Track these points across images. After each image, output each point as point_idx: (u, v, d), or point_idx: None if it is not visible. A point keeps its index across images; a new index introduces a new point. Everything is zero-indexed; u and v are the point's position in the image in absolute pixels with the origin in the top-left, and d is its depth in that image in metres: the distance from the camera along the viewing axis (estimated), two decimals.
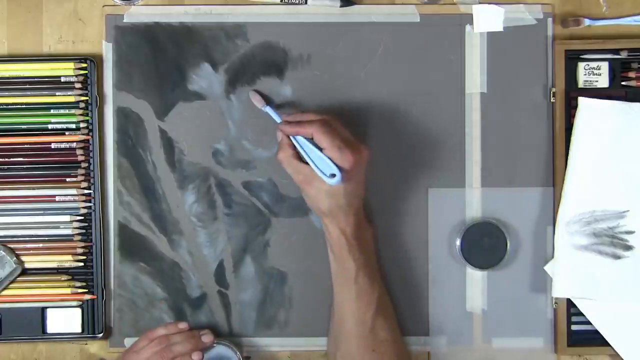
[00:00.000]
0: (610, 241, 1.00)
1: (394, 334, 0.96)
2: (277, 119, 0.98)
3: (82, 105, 1.02)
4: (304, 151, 0.92)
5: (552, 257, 1.02)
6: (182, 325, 0.99)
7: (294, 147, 0.93)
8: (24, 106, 1.02)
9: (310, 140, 0.92)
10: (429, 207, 1.04)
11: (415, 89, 1.03)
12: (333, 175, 0.90)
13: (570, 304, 1.02)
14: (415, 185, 1.03)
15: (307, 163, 0.92)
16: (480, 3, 1.03)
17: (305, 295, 1.03)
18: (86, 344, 1.04)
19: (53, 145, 1.02)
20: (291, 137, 0.94)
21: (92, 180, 1.02)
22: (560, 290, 1.01)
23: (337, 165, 0.90)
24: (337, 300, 0.96)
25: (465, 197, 1.04)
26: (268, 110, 0.99)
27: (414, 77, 1.03)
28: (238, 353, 0.99)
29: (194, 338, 0.97)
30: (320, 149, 0.91)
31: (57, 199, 1.02)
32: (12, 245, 1.02)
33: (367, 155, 0.93)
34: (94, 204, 1.02)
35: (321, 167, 0.91)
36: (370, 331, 0.94)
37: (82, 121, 1.02)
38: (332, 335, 0.99)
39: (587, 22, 1.03)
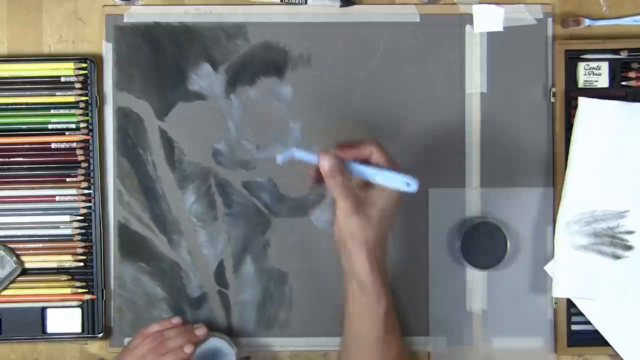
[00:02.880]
0: (610, 241, 1.00)
1: (402, 346, 0.95)
2: (314, 157, 0.88)
3: (82, 105, 1.02)
4: (368, 173, 0.88)
5: (552, 257, 1.02)
6: (176, 321, 0.99)
7: (344, 173, 0.87)
8: (24, 106, 1.02)
9: (365, 162, 0.88)
10: (429, 207, 1.04)
11: (415, 89, 1.03)
12: (408, 184, 0.87)
13: (570, 304, 1.02)
14: None
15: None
16: (480, 3, 1.03)
17: (305, 295, 1.03)
18: (86, 344, 1.04)
19: (53, 145, 1.02)
20: (346, 165, 0.88)
21: (92, 180, 1.02)
22: (560, 290, 1.01)
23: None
24: (348, 313, 0.92)
25: (465, 197, 1.04)
26: (297, 152, 0.88)
27: (414, 77, 1.03)
28: (233, 345, 0.99)
29: (187, 332, 0.97)
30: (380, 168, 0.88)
31: (57, 199, 1.02)
32: (12, 245, 1.02)
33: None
34: (94, 204, 1.02)
35: (391, 183, 0.87)
36: (382, 342, 0.91)
37: (82, 121, 1.02)
38: (343, 348, 0.97)
39: (587, 22, 1.03)
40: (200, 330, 0.98)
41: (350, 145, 0.90)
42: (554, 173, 1.03)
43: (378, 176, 0.88)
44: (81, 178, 1.02)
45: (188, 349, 0.94)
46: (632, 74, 1.02)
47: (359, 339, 0.93)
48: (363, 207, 0.87)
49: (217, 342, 1.00)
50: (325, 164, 0.87)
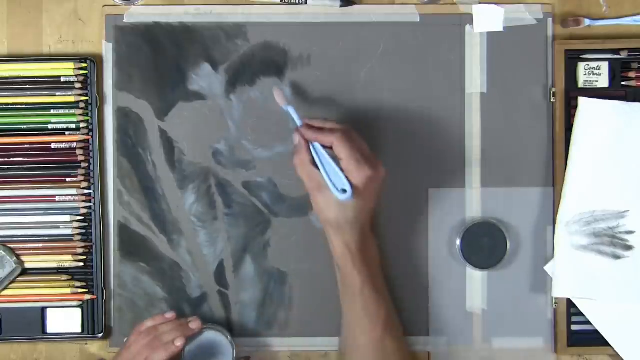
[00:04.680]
0: (610, 241, 1.00)
1: (402, 342, 0.96)
2: (298, 122, 0.94)
3: (82, 105, 1.02)
4: (320, 160, 0.90)
5: (552, 257, 1.02)
6: (169, 315, 0.98)
7: (311, 153, 0.91)
8: (24, 106, 1.02)
9: (328, 150, 0.90)
10: (429, 207, 1.04)
11: (415, 89, 1.03)
12: (344, 191, 0.88)
13: (570, 304, 1.02)
14: (415, 185, 1.03)
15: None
16: (480, 3, 1.03)
17: (305, 295, 1.03)
18: (86, 344, 1.04)
19: (53, 145, 1.02)
20: (310, 143, 0.91)
21: (92, 180, 1.02)
22: (560, 290, 1.01)
23: (349, 181, 0.88)
24: (345, 314, 0.96)
25: (465, 197, 1.04)
26: (290, 110, 0.95)
27: (414, 77, 1.03)
28: (229, 336, 0.99)
29: (181, 326, 0.96)
30: (337, 161, 0.89)
31: (57, 199, 1.02)
32: (12, 245, 1.02)
33: (384, 173, 0.91)
34: (94, 204, 1.02)
35: (334, 180, 0.89)
36: (380, 343, 0.93)
37: (82, 121, 1.02)
38: (341, 350, 0.99)
39: (587, 22, 1.03)
40: (194, 324, 0.97)
41: (317, 127, 0.92)
42: (554, 173, 1.03)
43: (324, 168, 0.90)
44: (81, 178, 1.02)
45: (179, 342, 0.93)
46: (632, 74, 1.02)
47: (345, 326, 0.96)
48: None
49: (213, 335, 0.99)
50: (295, 139, 0.92)
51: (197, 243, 1.03)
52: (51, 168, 1.02)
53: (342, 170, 0.89)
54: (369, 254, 0.94)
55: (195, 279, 1.03)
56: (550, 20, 1.03)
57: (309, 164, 0.91)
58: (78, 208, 1.02)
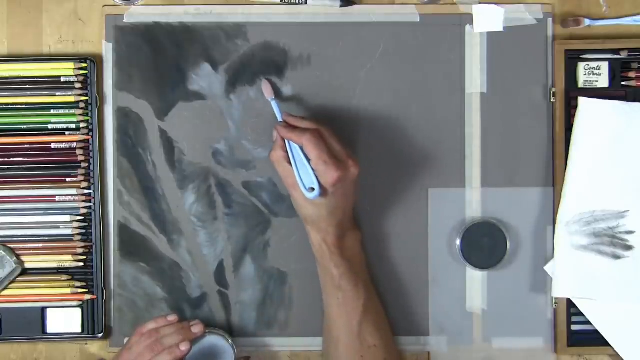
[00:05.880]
0: (610, 241, 1.00)
1: (382, 339, 0.96)
2: (279, 117, 0.97)
3: (82, 105, 1.02)
4: (293, 158, 0.93)
5: (552, 257, 1.02)
6: (172, 318, 0.97)
7: (286, 150, 0.93)
8: (24, 106, 1.02)
9: (302, 148, 0.92)
10: (429, 207, 1.04)
11: (415, 89, 1.03)
12: (313, 189, 0.90)
13: (570, 304, 1.02)
14: (415, 185, 1.03)
15: None
16: (480, 3, 1.03)
17: (305, 295, 1.03)
18: (86, 344, 1.04)
19: (53, 145, 1.02)
20: (286, 141, 0.94)
21: (92, 180, 1.02)
22: (560, 290, 1.01)
23: (318, 181, 0.90)
24: (325, 306, 0.98)
25: (465, 197, 1.04)
26: (273, 104, 0.99)
27: (414, 77, 1.03)
28: (230, 341, 0.99)
29: (184, 329, 0.96)
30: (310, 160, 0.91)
31: (57, 199, 1.02)
32: (12, 245, 1.02)
33: (356, 171, 0.92)
34: (94, 204, 1.02)
35: (304, 178, 0.91)
36: (357, 337, 0.94)
37: (82, 121, 1.02)
38: (323, 340, 0.99)
39: (587, 22, 1.03)
40: (197, 328, 0.97)
41: (292, 126, 0.94)
42: (554, 173, 1.03)
43: (296, 166, 0.92)
44: (81, 178, 1.02)
45: (184, 347, 0.94)
46: (632, 74, 1.02)
47: (325, 317, 0.98)
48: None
49: (214, 339, 1.00)
50: (274, 134, 0.95)
51: (197, 243, 1.03)
52: (51, 168, 1.02)
53: (313, 169, 0.91)
54: (349, 249, 0.96)
55: (195, 279, 1.03)
56: (550, 20, 1.03)
57: (283, 161, 0.93)
58: (78, 208, 1.02)
